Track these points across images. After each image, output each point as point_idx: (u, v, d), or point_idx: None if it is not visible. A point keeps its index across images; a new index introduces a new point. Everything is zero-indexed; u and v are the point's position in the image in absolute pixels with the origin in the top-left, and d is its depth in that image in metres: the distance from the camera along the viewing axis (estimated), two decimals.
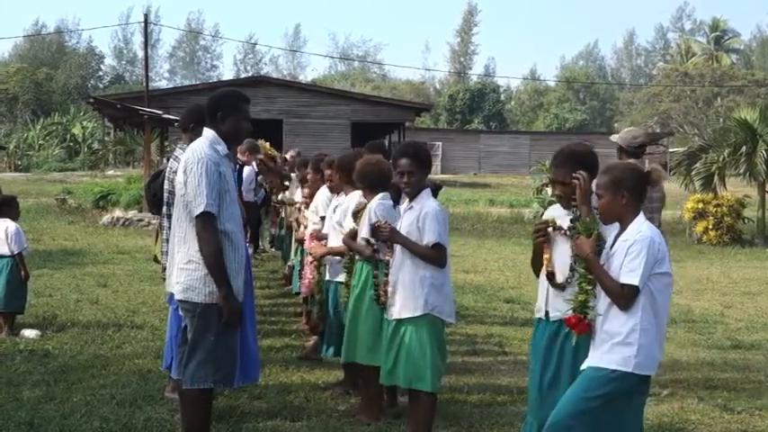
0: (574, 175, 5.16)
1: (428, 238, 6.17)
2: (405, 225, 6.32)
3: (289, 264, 11.74)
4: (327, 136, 44.78)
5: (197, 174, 5.58)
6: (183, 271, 5.70)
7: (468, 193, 40.21)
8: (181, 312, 5.94)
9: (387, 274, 6.46)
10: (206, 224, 5.55)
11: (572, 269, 5.19)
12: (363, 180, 7.31)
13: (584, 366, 4.90)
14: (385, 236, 6.33)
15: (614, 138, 8.20)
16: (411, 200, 6.40)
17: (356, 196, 7.65)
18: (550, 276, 5.36)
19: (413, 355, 6.21)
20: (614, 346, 4.73)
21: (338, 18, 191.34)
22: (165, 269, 6.81)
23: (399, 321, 6.29)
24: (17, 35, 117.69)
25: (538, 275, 5.56)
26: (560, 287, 5.30)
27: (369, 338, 7.00)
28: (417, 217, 6.24)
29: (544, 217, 5.56)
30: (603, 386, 4.74)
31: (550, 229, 5.34)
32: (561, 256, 5.32)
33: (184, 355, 5.76)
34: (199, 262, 5.62)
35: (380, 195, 7.20)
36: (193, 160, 5.64)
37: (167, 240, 6.64)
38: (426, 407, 6.29)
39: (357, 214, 7.41)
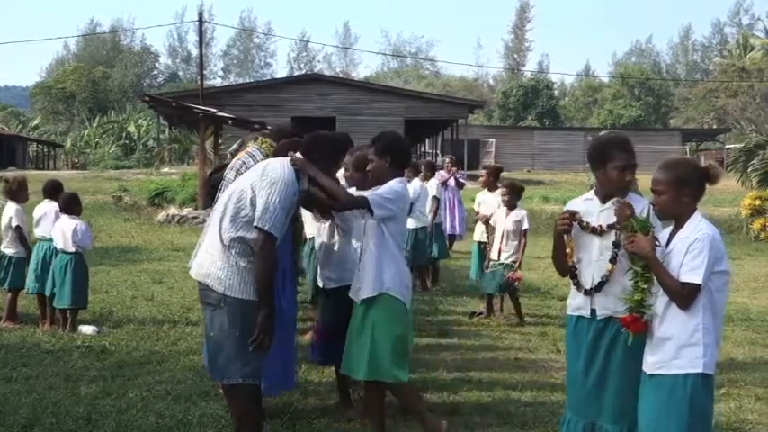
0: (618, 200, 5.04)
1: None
2: None
3: None
4: None
5: (278, 191, 5.55)
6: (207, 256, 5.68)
7: None
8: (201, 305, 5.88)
9: None
10: (266, 244, 5.50)
11: (605, 278, 5.11)
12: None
13: (648, 371, 4.75)
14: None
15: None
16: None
17: None
18: (573, 273, 5.28)
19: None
20: (681, 349, 4.61)
21: (390, 15, 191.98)
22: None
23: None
24: (73, 34, 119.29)
25: (561, 274, 5.46)
26: (586, 291, 5.21)
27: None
28: None
29: (566, 207, 5.39)
30: (681, 393, 4.59)
31: (575, 224, 5.21)
32: (585, 255, 5.23)
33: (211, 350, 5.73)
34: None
35: None
36: (280, 178, 5.62)
37: None
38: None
39: None
